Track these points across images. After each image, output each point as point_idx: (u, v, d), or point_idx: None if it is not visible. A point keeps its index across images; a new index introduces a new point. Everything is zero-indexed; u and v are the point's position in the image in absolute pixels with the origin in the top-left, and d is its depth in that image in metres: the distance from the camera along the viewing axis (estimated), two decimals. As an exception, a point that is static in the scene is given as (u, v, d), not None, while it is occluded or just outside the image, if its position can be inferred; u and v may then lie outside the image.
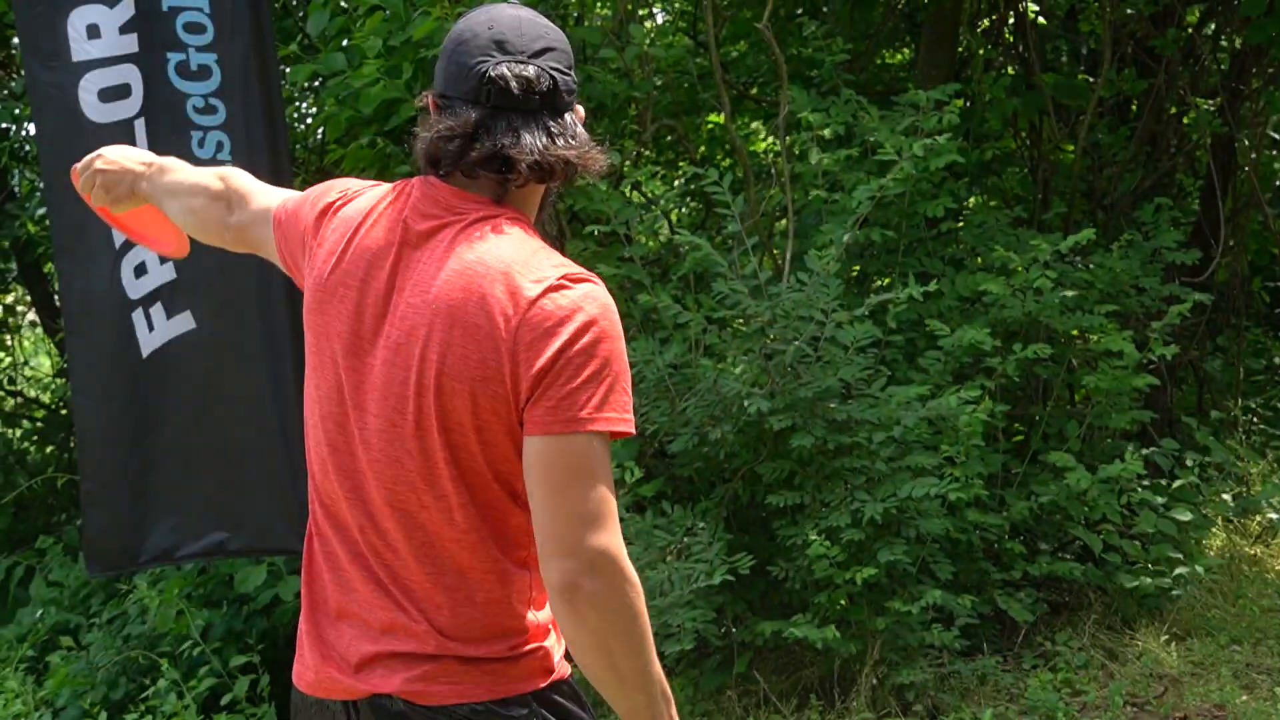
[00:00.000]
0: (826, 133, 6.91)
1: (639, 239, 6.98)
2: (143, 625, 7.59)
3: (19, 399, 12.82)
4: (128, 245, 5.21)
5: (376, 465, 2.54)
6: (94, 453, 5.41)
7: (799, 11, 9.16)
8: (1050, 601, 6.89)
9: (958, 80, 8.04)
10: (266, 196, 2.93)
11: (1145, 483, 6.85)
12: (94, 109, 5.16)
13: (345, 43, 7.28)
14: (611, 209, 6.62)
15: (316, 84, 8.15)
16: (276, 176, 5.20)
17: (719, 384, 6.12)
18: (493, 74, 2.51)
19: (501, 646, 2.55)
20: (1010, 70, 9.02)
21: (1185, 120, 8.80)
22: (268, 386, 5.28)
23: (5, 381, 12.78)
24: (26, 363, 13.76)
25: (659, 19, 9.64)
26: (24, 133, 10.12)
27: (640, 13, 8.83)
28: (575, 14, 7.73)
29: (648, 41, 7.30)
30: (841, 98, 7.19)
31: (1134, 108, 8.82)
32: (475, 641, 2.54)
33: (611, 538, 2.44)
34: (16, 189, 10.71)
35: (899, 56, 9.96)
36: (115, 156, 3.23)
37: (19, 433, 12.53)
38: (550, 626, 2.62)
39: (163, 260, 5.21)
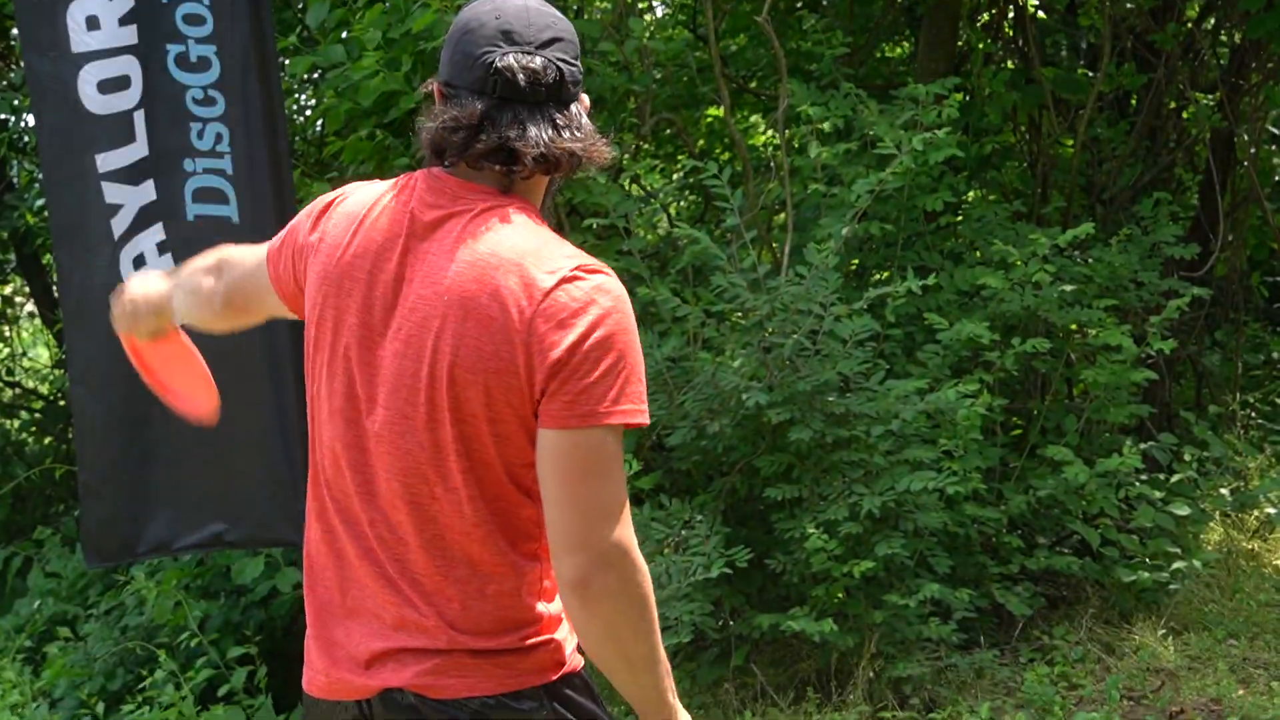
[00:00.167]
0: (826, 126, 6.91)
1: (638, 232, 6.98)
2: (140, 616, 7.60)
3: (17, 390, 12.84)
4: (127, 235, 5.21)
5: (387, 458, 2.53)
6: (92, 444, 5.41)
7: (799, 5, 9.17)
8: (1047, 595, 6.89)
9: (957, 74, 8.03)
10: (258, 249, 2.90)
11: (1143, 477, 6.85)
12: (93, 100, 5.16)
13: (345, 35, 7.27)
14: (610, 202, 6.62)
15: (316, 76, 8.15)
16: (275, 168, 5.22)
17: (717, 377, 6.13)
18: (499, 65, 2.50)
19: (513, 638, 2.55)
20: (1010, 64, 9.01)
21: (1185, 115, 8.80)
22: (266, 379, 5.28)
23: (3, 372, 12.81)
24: (25, 354, 13.78)
25: (658, 12, 9.64)
26: (23, 124, 10.13)
27: (640, 6, 8.83)
28: (575, 7, 7.73)
29: (647, 35, 7.30)
30: (841, 91, 7.19)
31: (1133, 102, 8.82)
32: (486, 634, 2.53)
33: (625, 530, 2.45)
34: (15, 180, 10.72)
35: (898, 50, 9.95)
36: (137, 282, 3.20)
37: (17, 424, 12.55)
38: (561, 618, 2.61)
39: (161, 252, 5.21)
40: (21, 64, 6.28)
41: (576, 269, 2.48)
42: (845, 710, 5.94)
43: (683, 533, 6.04)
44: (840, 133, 7.14)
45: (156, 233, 5.21)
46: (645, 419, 2.49)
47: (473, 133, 2.51)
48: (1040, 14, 9.08)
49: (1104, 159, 8.48)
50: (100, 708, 7.06)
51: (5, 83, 10.02)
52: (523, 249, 2.48)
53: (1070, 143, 8.52)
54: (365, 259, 2.57)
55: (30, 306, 13.44)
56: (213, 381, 3.02)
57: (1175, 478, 6.99)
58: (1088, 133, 8.19)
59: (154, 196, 5.21)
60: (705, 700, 6.23)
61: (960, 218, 7.79)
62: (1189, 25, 8.67)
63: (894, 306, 6.48)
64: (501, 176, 2.55)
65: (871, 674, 6.04)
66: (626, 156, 7.58)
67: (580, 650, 2.62)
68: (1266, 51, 8.66)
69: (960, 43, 8.71)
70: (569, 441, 2.44)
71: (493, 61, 2.50)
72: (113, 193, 5.16)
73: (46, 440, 11.92)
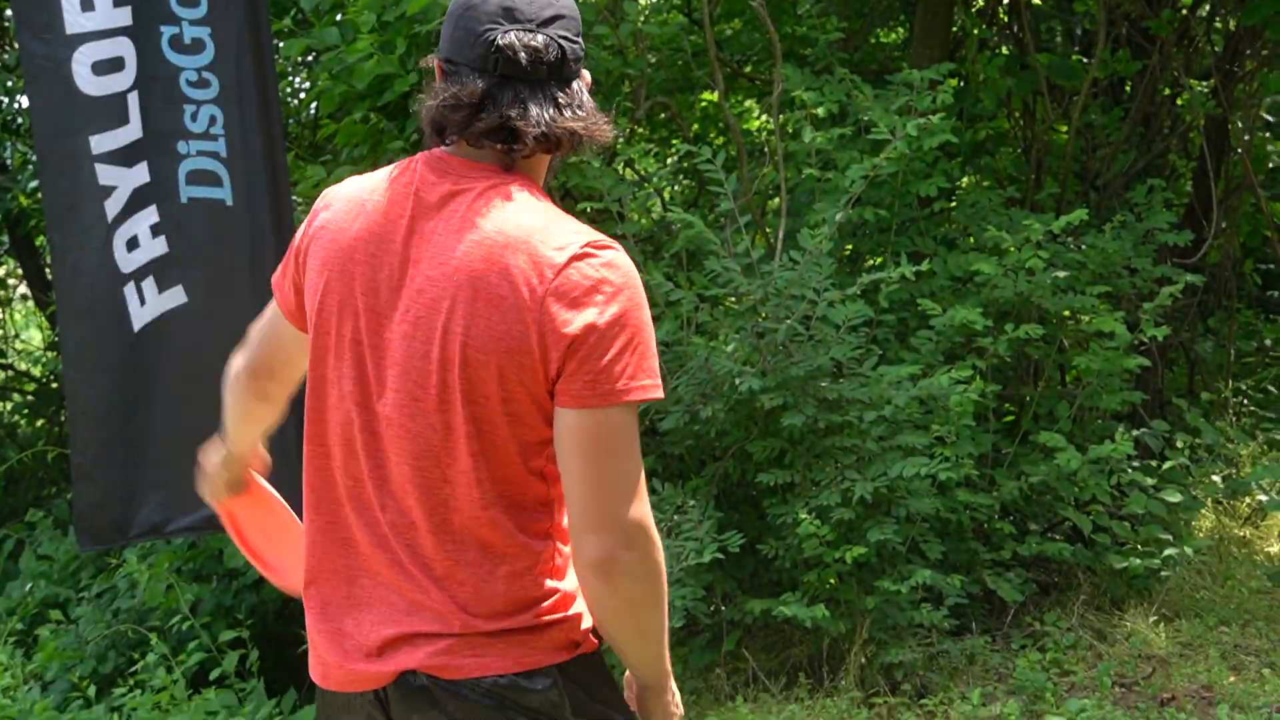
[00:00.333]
0: (820, 111, 6.90)
1: (632, 216, 6.96)
2: (132, 599, 7.60)
3: (10, 372, 12.83)
4: (121, 217, 5.20)
5: (398, 442, 2.51)
6: (85, 426, 5.40)
7: (793, -10, 9.15)
8: (1039, 582, 6.90)
9: (952, 60, 8.04)
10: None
11: (1135, 464, 6.86)
12: (87, 82, 5.15)
13: (339, 17, 7.27)
14: (604, 186, 6.62)
15: (310, 59, 8.15)
16: (269, 151, 5.21)
17: (710, 362, 6.13)
18: (501, 43, 2.48)
19: (526, 616, 2.53)
20: (1004, 50, 9.01)
21: (1179, 102, 8.80)
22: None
23: (-4, 355, 12.79)
24: (18, 336, 13.78)
25: (653, -4, 9.63)
26: (16, 105, 10.12)
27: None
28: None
29: (642, 19, 7.28)
30: (835, 76, 7.18)
31: (1128, 89, 8.82)
32: (500, 615, 2.52)
33: (643, 506, 2.47)
34: (9, 162, 10.72)
35: (893, 36, 9.94)
36: (210, 449, 3.19)
37: (10, 406, 12.56)
38: (576, 595, 2.59)
39: (155, 234, 5.20)
40: (15, 45, 6.27)
41: (586, 245, 2.46)
42: (837, 696, 5.94)
43: (675, 518, 6.04)
44: (835, 118, 7.14)
45: (150, 215, 5.20)
46: (660, 392, 2.49)
47: (473, 111, 2.49)
48: (1035, 0, 9.07)
49: (1098, 145, 8.48)
50: (92, 691, 7.06)
51: (-1, 64, 10.00)
52: (530, 226, 2.47)
53: (1064, 129, 8.52)
54: (369, 242, 2.55)
55: (23, 289, 13.43)
56: (302, 537, 2.96)
57: (1167, 465, 7.00)
58: (1082, 119, 8.19)
59: (147, 179, 5.20)
60: (697, 685, 6.23)
61: (954, 203, 7.79)
62: (1184, 11, 8.66)
63: (887, 292, 6.48)
64: (502, 155, 2.53)
65: (863, 660, 6.05)
66: (621, 140, 7.57)
67: (595, 633, 2.62)
68: (1261, 38, 8.65)
69: (955, 28, 8.70)
70: (591, 420, 2.43)
71: (494, 39, 2.49)
72: (106, 175, 5.15)
73: (39, 423, 11.93)
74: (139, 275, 5.23)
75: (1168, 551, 6.65)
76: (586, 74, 2.62)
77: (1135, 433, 6.91)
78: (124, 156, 5.16)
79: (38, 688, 7.47)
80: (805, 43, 8.08)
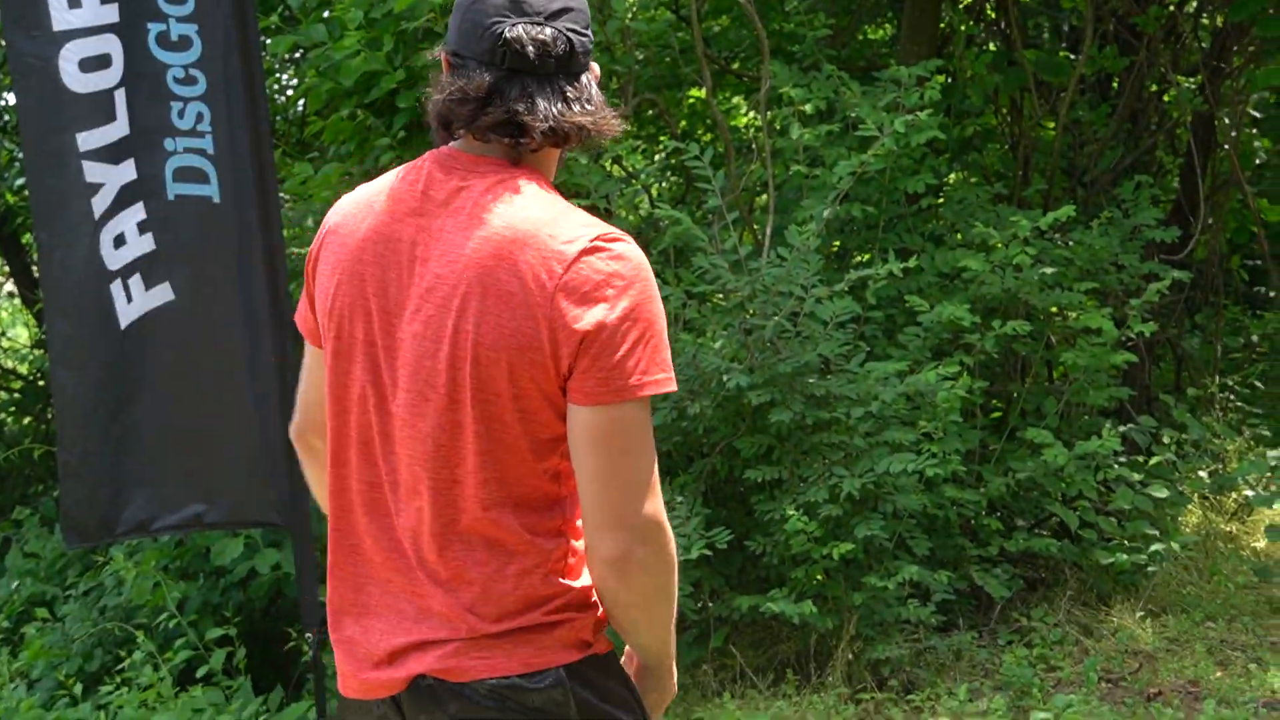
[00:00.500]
0: (808, 108, 6.91)
1: (619, 213, 6.97)
2: (119, 597, 7.58)
3: (-4, 370, 12.81)
4: (108, 215, 5.19)
5: (408, 443, 2.48)
6: (71, 424, 5.39)
7: (781, -14, 9.15)
8: (1026, 578, 6.92)
9: (939, 56, 8.04)
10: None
11: (1122, 459, 6.88)
12: (74, 79, 5.13)
13: (326, 14, 7.26)
14: (592, 183, 6.62)
15: (297, 55, 8.14)
16: (256, 148, 5.20)
17: (698, 358, 6.13)
18: (508, 36, 2.45)
19: (535, 614, 2.49)
20: (992, 47, 9.02)
21: (1166, 98, 8.82)
22: (245, 360, 5.26)
23: (-18, 352, 12.77)
24: (4, 333, 13.75)
25: (641, -7, 9.62)
26: (3, 102, 10.09)
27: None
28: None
29: (629, 15, 7.28)
30: (823, 73, 7.19)
31: (1115, 85, 8.83)
32: (507, 614, 2.48)
33: (657, 502, 2.45)
34: (-5, 159, 10.68)
35: (881, 32, 9.96)
36: None
37: (-4, 403, 12.52)
38: (588, 593, 2.55)
39: (142, 231, 5.19)
40: (2, 42, 6.26)
41: (596, 239, 2.44)
42: (824, 692, 5.95)
43: (663, 514, 6.04)
44: (822, 114, 7.15)
45: (137, 212, 5.19)
46: (674, 384, 2.47)
47: (480, 105, 2.47)
48: (1022, -4, 9.08)
49: (1085, 142, 8.50)
50: (78, 688, 7.04)
51: (-15, 61, 9.98)
52: (538, 220, 2.44)
53: (1052, 125, 8.53)
54: (378, 242, 2.52)
55: (10, 286, 13.43)
56: None
57: (1154, 460, 7.02)
58: (1069, 115, 8.21)
59: (134, 175, 5.18)
60: (684, 681, 6.23)
61: (941, 200, 7.81)
62: (1171, 8, 8.67)
63: (875, 288, 6.48)
64: (510, 149, 2.51)
65: (850, 656, 6.06)
66: (608, 137, 7.57)
67: (609, 633, 2.60)
68: (1248, 35, 8.68)
69: (942, 25, 8.71)
70: (605, 417, 2.41)
71: (501, 32, 2.46)
72: (93, 171, 5.14)
73: (26, 420, 11.91)
74: (126, 272, 5.21)
75: (1154, 547, 6.66)
76: (595, 67, 2.59)
77: (1122, 428, 6.93)
78: (111, 153, 5.15)
79: (24, 686, 7.45)
80: (793, 39, 8.09)
